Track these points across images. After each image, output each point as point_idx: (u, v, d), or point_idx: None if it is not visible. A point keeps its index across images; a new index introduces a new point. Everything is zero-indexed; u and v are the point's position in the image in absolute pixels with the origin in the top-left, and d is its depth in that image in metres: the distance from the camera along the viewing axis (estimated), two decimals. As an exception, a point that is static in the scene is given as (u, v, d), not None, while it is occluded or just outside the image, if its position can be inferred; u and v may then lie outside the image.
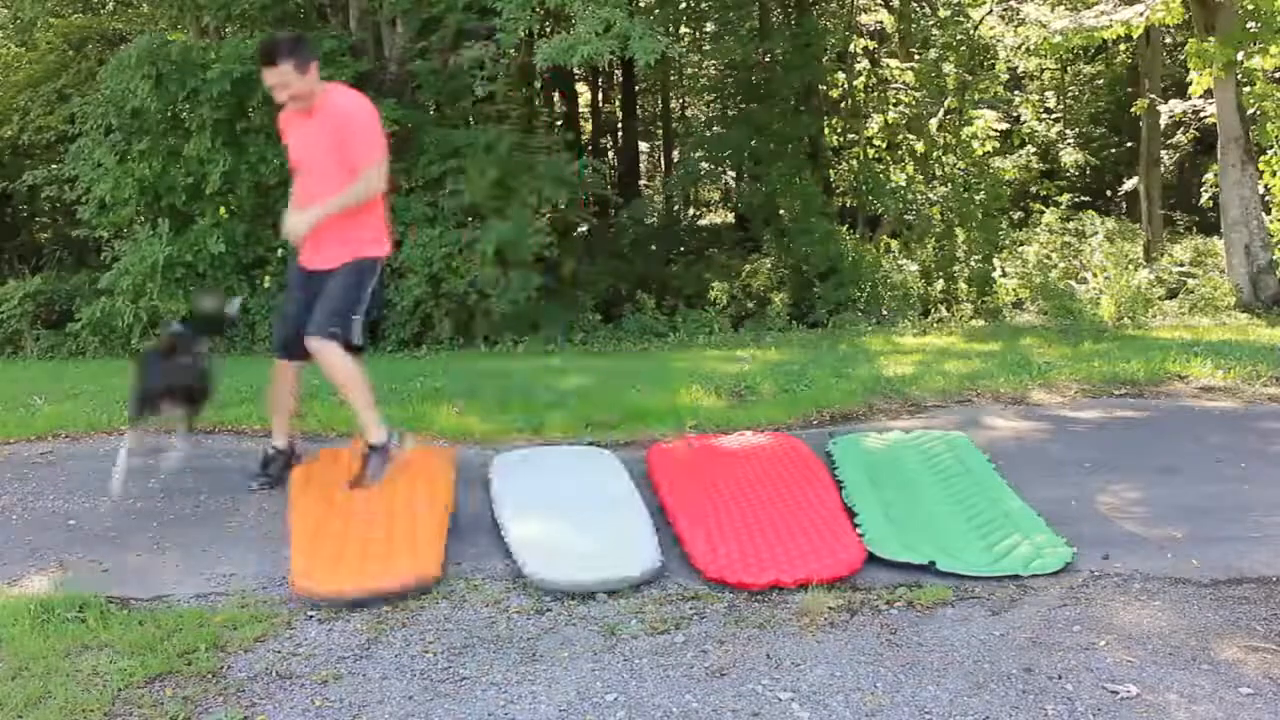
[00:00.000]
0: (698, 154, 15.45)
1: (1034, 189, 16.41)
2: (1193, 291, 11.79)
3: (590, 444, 5.27)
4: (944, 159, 14.91)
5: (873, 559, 3.66)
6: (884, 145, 15.49)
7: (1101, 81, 19.83)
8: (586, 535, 3.87)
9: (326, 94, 4.35)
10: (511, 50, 10.65)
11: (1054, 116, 19.23)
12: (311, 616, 3.37)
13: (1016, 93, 18.69)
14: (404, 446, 4.52)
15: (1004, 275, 12.99)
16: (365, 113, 4.33)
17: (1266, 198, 11.72)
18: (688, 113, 20.53)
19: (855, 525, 3.95)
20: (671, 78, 19.14)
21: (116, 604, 3.47)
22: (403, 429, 4.76)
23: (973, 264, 13.22)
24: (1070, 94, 19.97)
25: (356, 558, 3.71)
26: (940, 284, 12.79)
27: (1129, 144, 18.19)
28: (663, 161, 20.62)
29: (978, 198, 14.08)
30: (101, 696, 2.83)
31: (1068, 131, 18.88)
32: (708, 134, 16.01)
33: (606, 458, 4.82)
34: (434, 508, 4.14)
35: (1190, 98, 13.05)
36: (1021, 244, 13.85)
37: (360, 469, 4.42)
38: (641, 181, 20.23)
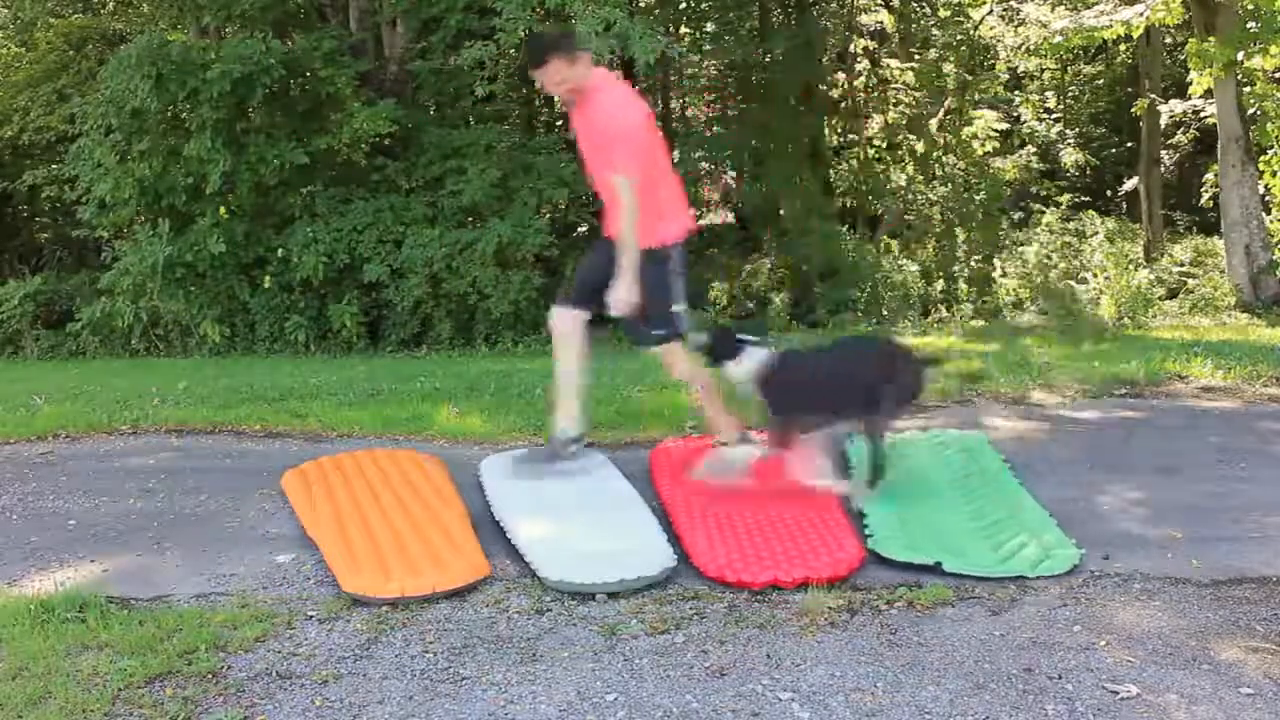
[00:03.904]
0: (698, 154, 15.43)
1: (1034, 189, 16.42)
2: (1193, 291, 11.79)
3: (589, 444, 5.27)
4: (944, 159, 14.91)
5: (880, 559, 3.66)
6: (884, 145, 15.49)
7: (1101, 81, 19.83)
8: (598, 536, 3.87)
9: (596, 89, 4.26)
10: (511, 50, 10.66)
11: (1054, 116, 19.23)
12: (311, 616, 3.37)
13: (1016, 93, 18.69)
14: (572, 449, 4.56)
15: (1004, 275, 12.99)
16: (621, 117, 4.21)
17: (1266, 198, 11.71)
18: (688, 113, 20.51)
19: (864, 525, 3.95)
20: (671, 78, 19.12)
21: (116, 604, 3.47)
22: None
23: (973, 264, 13.22)
24: (1070, 94, 19.96)
25: (400, 561, 3.68)
26: (940, 284, 12.80)
27: (1129, 144, 18.19)
28: (663, 161, 20.59)
29: (978, 198, 14.08)
30: (101, 696, 2.83)
31: (1068, 131, 18.88)
32: (708, 134, 16.00)
33: (596, 456, 4.82)
34: (453, 511, 4.15)
35: (1190, 98, 13.04)
36: (1021, 244, 13.85)
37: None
38: (641, 181, 20.20)
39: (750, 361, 4.24)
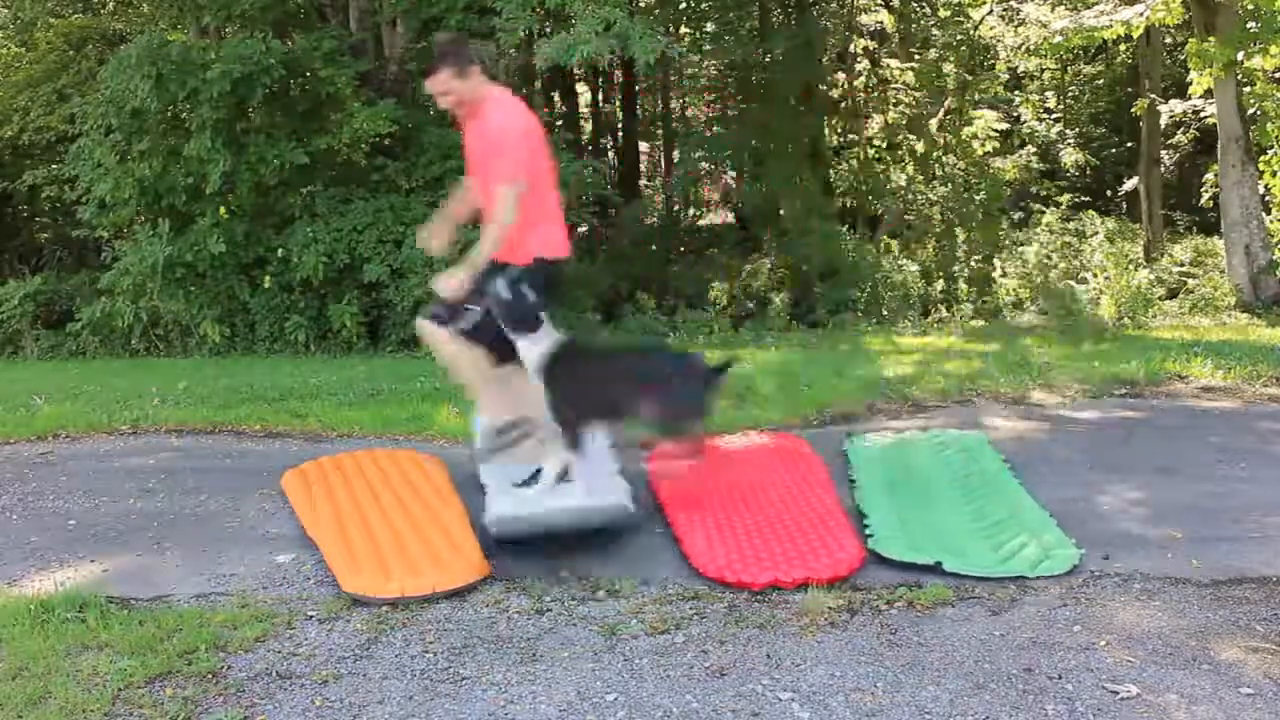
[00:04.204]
0: (698, 154, 15.43)
1: (1034, 189, 16.41)
2: (1193, 291, 11.79)
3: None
4: (944, 159, 14.90)
5: (881, 560, 3.67)
6: (884, 145, 15.48)
7: (1101, 81, 19.82)
8: (563, 494, 3.92)
9: (486, 101, 4.15)
10: (511, 50, 10.65)
11: (1054, 116, 19.22)
12: (311, 616, 3.37)
13: (1016, 93, 18.67)
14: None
15: (1004, 275, 12.99)
16: (511, 129, 4.10)
17: (1266, 198, 11.71)
18: (688, 113, 20.51)
19: (865, 526, 3.96)
20: (671, 78, 19.13)
21: (116, 604, 3.47)
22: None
23: (973, 264, 13.22)
24: (1070, 94, 19.96)
25: (400, 561, 3.69)
26: (940, 284, 12.80)
27: (1129, 144, 18.19)
28: (663, 161, 20.60)
29: (978, 198, 14.07)
30: (101, 696, 2.83)
31: (1068, 131, 18.87)
32: (708, 134, 16.00)
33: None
34: (452, 511, 4.16)
35: (1190, 98, 13.04)
36: (1021, 244, 13.85)
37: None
38: (641, 181, 20.22)
39: (540, 347, 4.11)
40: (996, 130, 15.50)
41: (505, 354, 4.19)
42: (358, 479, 4.59)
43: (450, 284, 4.08)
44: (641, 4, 13.51)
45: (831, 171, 15.45)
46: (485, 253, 4.06)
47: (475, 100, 4.14)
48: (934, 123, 15.09)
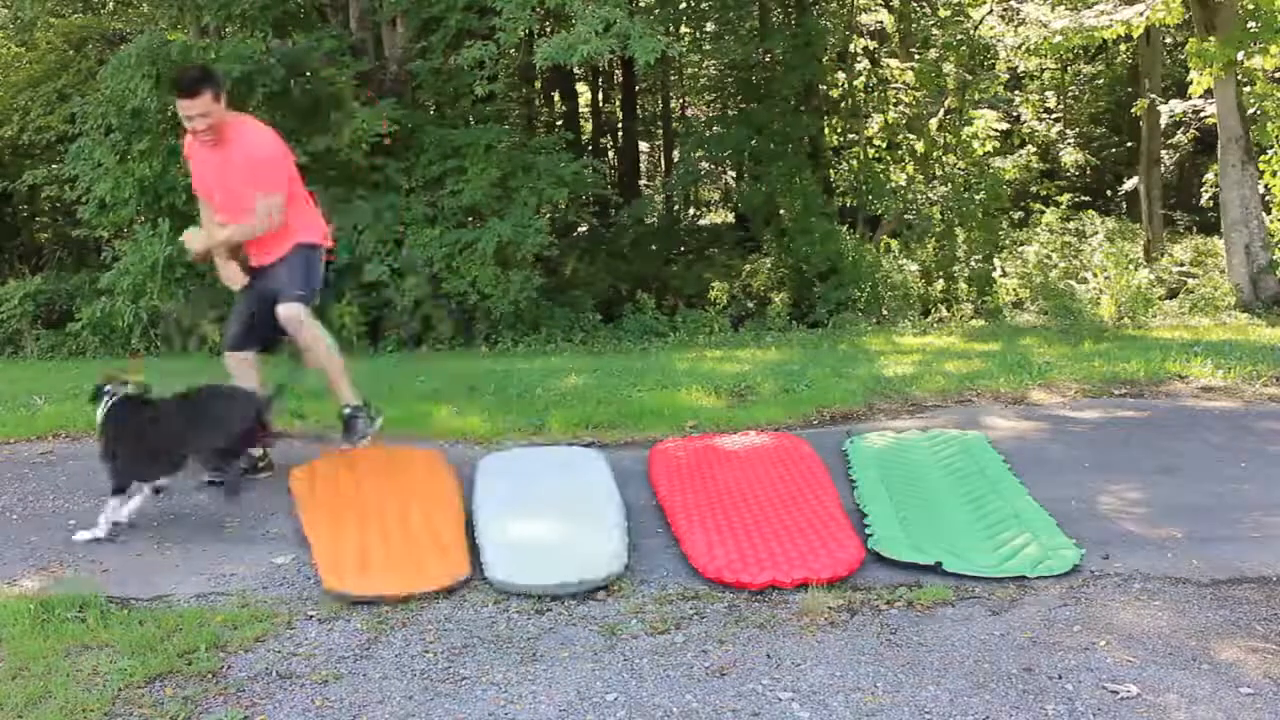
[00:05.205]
0: (698, 154, 15.45)
1: (1034, 189, 16.42)
2: (1193, 291, 11.80)
3: (590, 444, 5.27)
4: (944, 159, 14.91)
5: (881, 559, 3.67)
6: (884, 145, 15.50)
7: (1101, 81, 19.84)
8: (554, 537, 3.87)
9: (241, 125, 4.54)
10: (511, 50, 10.66)
11: (1054, 116, 19.23)
12: (311, 616, 3.37)
13: (1016, 93, 18.69)
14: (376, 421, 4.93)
15: (1004, 275, 13.00)
16: (267, 145, 4.52)
17: (1266, 198, 11.71)
18: (688, 113, 20.52)
19: (866, 525, 3.96)
20: (671, 78, 19.16)
21: (116, 604, 3.47)
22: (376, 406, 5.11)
23: (973, 264, 13.23)
24: (1070, 94, 19.97)
25: (382, 561, 3.71)
26: (940, 284, 12.80)
27: (1129, 144, 18.20)
28: (663, 161, 20.62)
29: (978, 198, 14.09)
30: (101, 696, 2.83)
31: (1068, 131, 18.89)
32: (708, 134, 16.03)
33: (593, 458, 4.80)
34: (449, 510, 4.15)
35: (1190, 98, 13.04)
36: (1021, 244, 13.86)
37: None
38: (641, 181, 20.24)
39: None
40: (996, 130, 15.52)
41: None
42: (368, 477, 4.60)
43: (201, 241, 4.63)
44: (641, 4, 13.51)
45: (831, 171, 15.46)
46: (242, 236, 4.55)
47: (225, 125, 4.46)
48: (934, 123, 15.10)
